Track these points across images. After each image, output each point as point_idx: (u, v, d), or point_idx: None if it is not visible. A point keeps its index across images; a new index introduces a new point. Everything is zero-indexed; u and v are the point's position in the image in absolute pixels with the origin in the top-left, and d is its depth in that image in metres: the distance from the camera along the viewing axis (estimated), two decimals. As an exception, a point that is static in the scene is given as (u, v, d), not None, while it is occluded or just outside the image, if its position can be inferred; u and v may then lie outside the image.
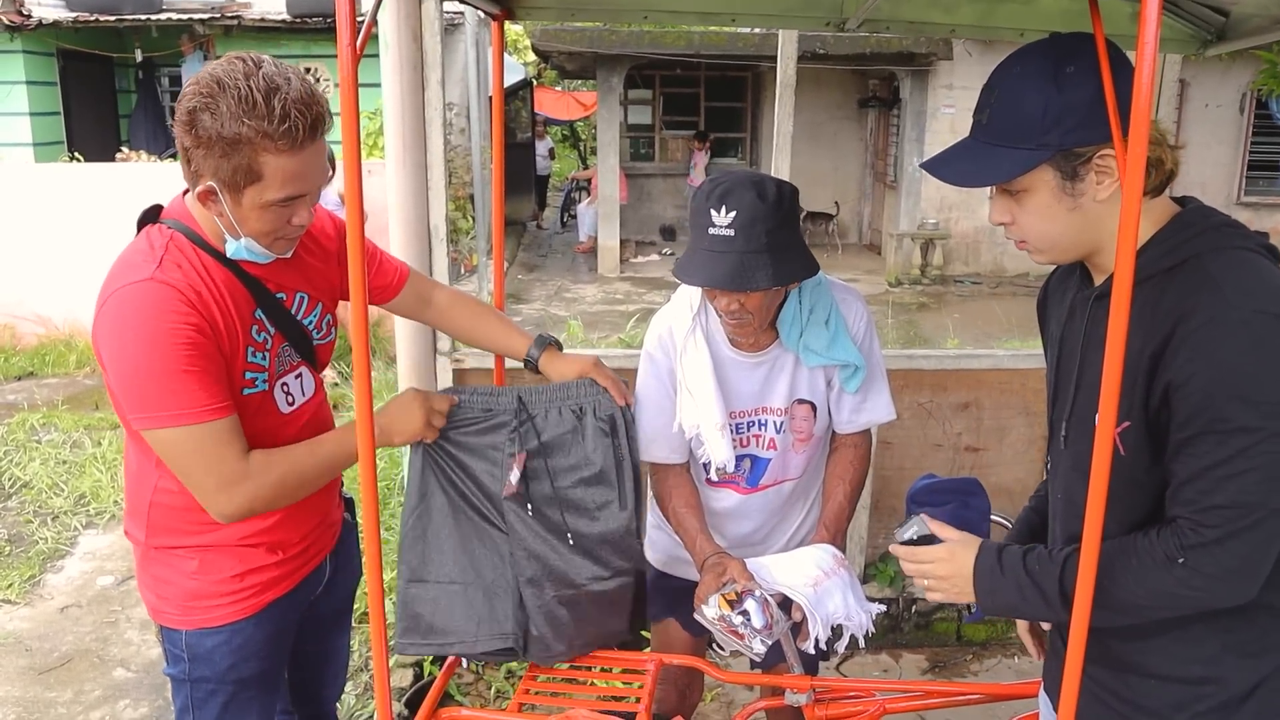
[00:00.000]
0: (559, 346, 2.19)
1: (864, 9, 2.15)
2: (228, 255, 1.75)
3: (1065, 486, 1.58)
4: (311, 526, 2.00)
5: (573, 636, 2.09)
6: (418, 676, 3.38)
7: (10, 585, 4.32)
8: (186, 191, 1.78)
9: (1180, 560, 1.33)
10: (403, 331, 3.38)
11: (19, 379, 7.73)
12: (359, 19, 1.51)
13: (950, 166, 1.49)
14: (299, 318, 1.91)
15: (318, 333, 1.97)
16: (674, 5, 2.28)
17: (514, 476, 1.99)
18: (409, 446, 2.02)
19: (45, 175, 8.77)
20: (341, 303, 2.03)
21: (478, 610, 2.08)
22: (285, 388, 1.89)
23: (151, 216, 1.77)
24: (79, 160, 9.37)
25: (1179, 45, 2.41)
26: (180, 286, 1.65)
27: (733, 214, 1.85)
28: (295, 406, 1.91)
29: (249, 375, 1.79)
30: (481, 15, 4.86)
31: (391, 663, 3.42)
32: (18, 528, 4.94)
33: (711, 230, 1.87)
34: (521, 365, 2.18)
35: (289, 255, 1.84)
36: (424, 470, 2.05)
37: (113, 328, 1.64)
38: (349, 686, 3.37)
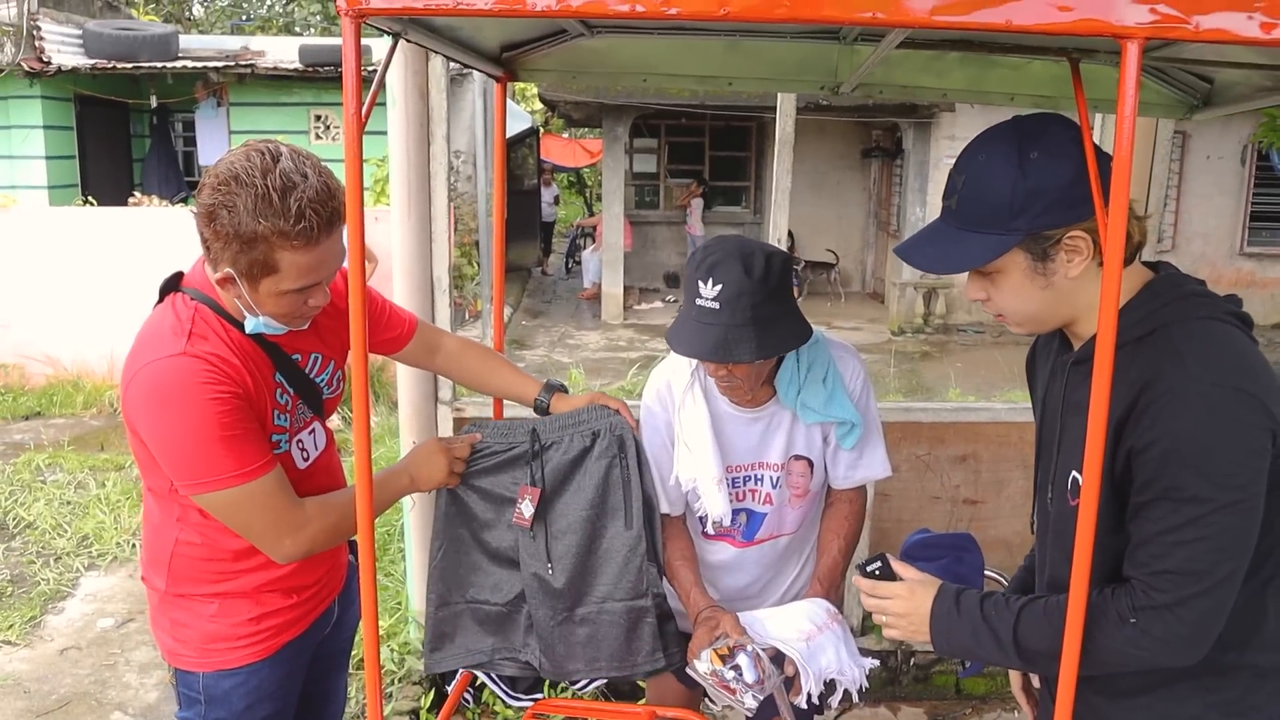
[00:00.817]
0: (566, 391, 2.26)
1: (857, 74, 2.21)
2: (246, 331, 1.81)
3: (1050, 544, 1.61)
4: (325, 570, 2.06)
5: (592, 657, 2.18)
6: (414, 716, 3.38)
7: (11, 626, 4.33)
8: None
9: (1132, 620, 1.37)
10: (404, 379, 3.43)
11: (26, 419, 7.77)
12: (369, 69, 1.56)
13: (922, 252, 1.53)
14: (312, 376, 1.97)
15: (329, 388, 2.03)
16: (672, 69, 2.35)
17: (526, 509, 2.10)
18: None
19: (59, 218, 8.87)
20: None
21: (498, 629, 2.24)
22: (300, 444, 1.95)
23: (173, 284, 1.83)
24: (92, 204, 9.50)
25: (1165, 110, 2.46)
26: (211, 360, 1.72)
27: (719, 287, 1.89)
28: (310, 462, 1.97)
29: (274, 438, 1.85)
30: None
31: (388, 710, 3.43)
32: (20, 568, 4.96)
33: (699, 301, 1.92)
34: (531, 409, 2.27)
35: (303, 328, 1.90)
36: (447, 509, 2.21)
37: (150, 402, 1.70)
38: (346, 734, 3.37)
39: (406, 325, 2.21)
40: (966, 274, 1.55)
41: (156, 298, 1.84)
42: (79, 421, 7.71)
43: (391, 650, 3.73)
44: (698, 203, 15.48)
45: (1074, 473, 1.47)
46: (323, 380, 2.00)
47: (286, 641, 1.98)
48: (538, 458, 2.13)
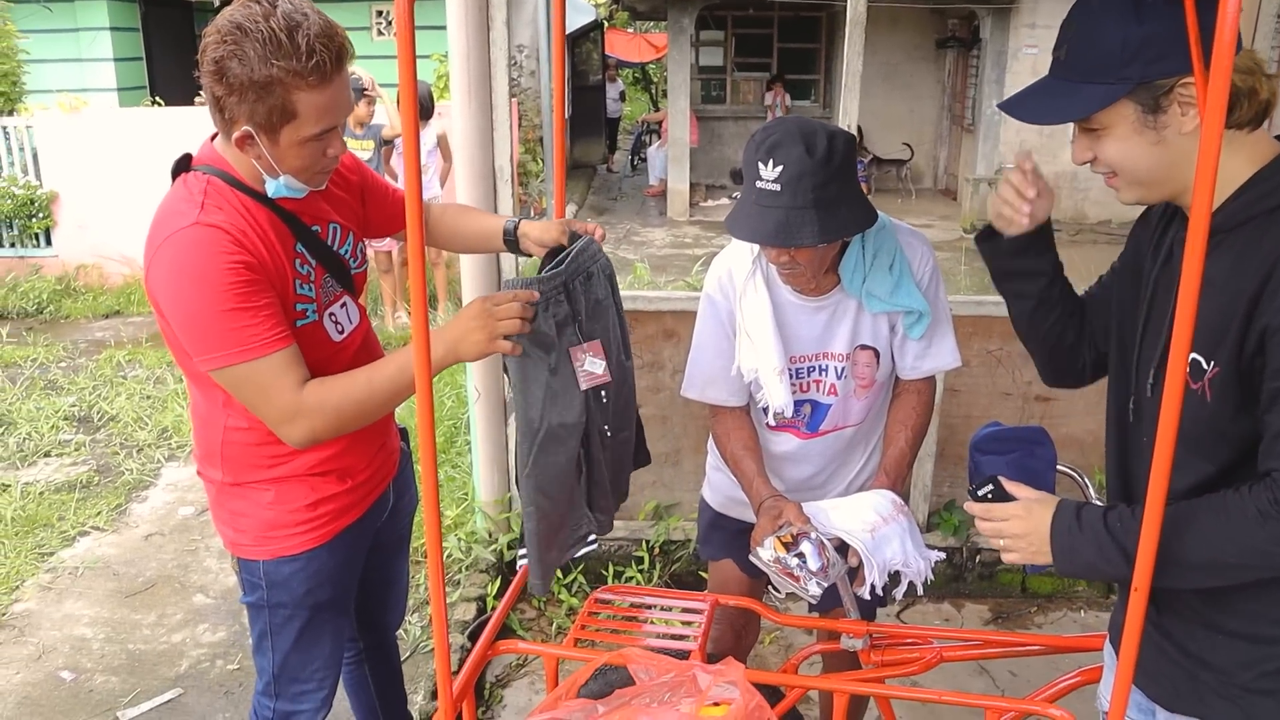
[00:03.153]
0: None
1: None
2: (268, 194, 1.78)
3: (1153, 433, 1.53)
4: (374, 452, 2.06)
5: (619, 491, 2.19)
6: (480, 610, 3.46)
7: (99, 513, 4.51)
8: (214, 136, 1.80)
9: (1274, 514, 1.28)
10: (468, 266, 3.42)
11: (106, 317, 7.98)
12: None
13: (1026, 105, 1.45)
14: (335, 248, 1.94)
15: (354, 261, 2.01)
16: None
17: (595, 365, 1.94)
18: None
19: (128, 119, 8.96)
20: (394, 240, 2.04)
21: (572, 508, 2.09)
22: (333, 317, 1.93)
23: (184, 165, 1.80)
24: (160, 105, 9.56)
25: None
26: (226, 227, 1.69)
27: (779, 169, 1.82)
28: (345, 335, 1.95)
29: (300, 307, 1.83)
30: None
31: (455, 596, 3.51)
32: (105, 459, 5.14)
33: (759, 184, 1.85)
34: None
35: (323, 188, 1.87)
36: (522, 377, 1.89)
37: (168, 275, 1.68)
38: (415, 619, 3.46)
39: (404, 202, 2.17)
40: (1069, 143, 1.47)
41: (170, 180, 1.81)
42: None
43: (459, 539, 3.81)
44: (783, 97, 15.15)
45: (1194, 355, 1.37)
46: (345, 252, 1.97)
47: (344, 527, 2.00)
48: (573, 311, 1.92)
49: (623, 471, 2.22)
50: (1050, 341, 1.77)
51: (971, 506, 1.60)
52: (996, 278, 1.76)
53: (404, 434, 2.28)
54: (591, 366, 1.94)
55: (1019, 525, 1.52)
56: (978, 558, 3.86)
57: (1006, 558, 1.56)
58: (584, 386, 1.94)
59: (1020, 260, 1.70)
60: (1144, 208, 1.62)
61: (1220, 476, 1.39)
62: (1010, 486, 1.57)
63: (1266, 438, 1.31)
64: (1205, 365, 1.36)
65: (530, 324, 1.81)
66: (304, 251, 1.85)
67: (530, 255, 2.11)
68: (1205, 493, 1.38)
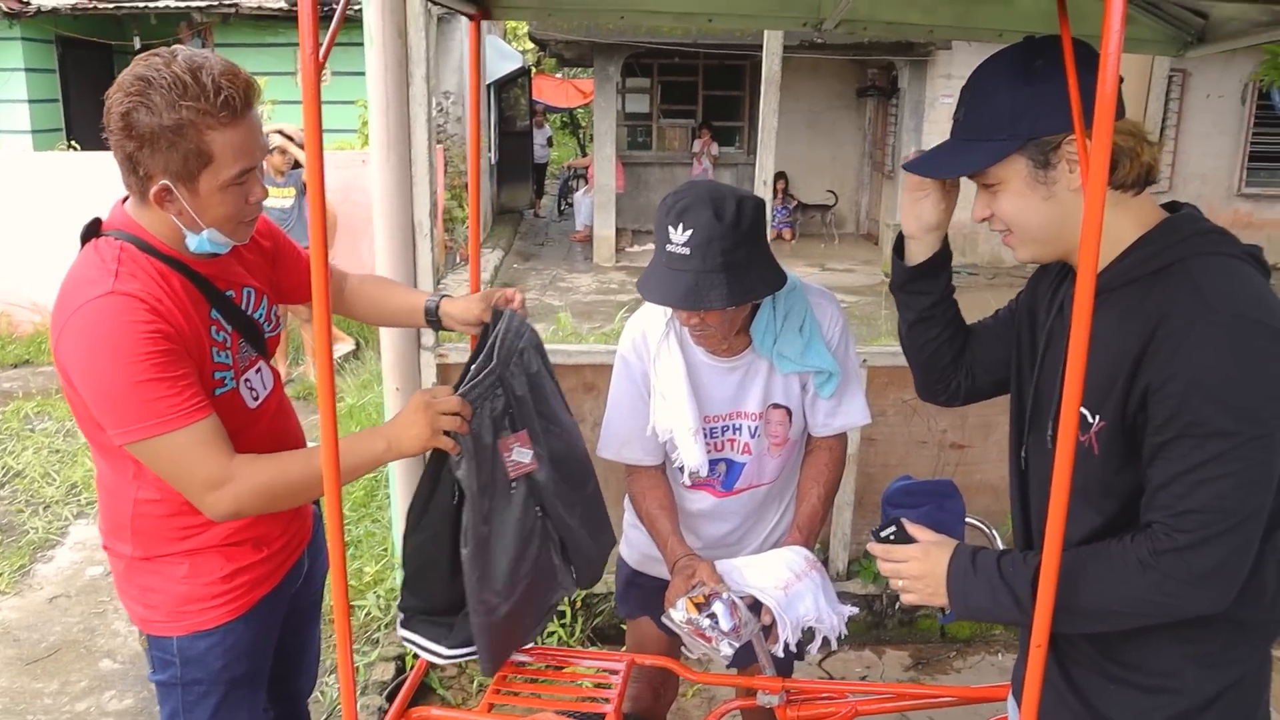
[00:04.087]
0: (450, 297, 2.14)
1: (840, 10, 2.15)
2: (191, 250, 1.74)
3: (1046, 485, 1.57)
4: (289, 518, 2.02)
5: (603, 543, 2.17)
6: (399, 669, 3.40)
7: (0, 575, 4.34)
8: (125, 199, 1.77)
9: (1153, 565, 1.33)
10: (388, 341, 3.39)
11: (14, 367, 7.73)
12: (355, 9, 1.51)
13: (927, 162, 1.54)
14: (250, 313, 1.91)
15: (268, 325, 1.97)
16: (650, 5, 2.27)
17: (521, 455, 1.93)
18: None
19: (43, 163, 8.75)
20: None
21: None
22: (249, 383, 1.89)
23: (94, 230, 1.76)
24: (76, 148, 9.36)
25: (1159, 46, 2.40)
26: (142, 296, 1.64)
27: (689, 232, 1.85)
28: (260, 401, 1.92)
29: (218, 375, 1.79)
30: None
31: (374, 655, 3.44)
32: (9, 517, 4.96)
33: (669, 247, 1.88)
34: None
35: (246, 242, 1.84)
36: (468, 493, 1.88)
37: (80, 347, 1.63)
38: (332, 680, 3.39)
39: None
40: (970, 211, 1.55)
41: (78, 245, 1.76)
42: (68, 368, 7.65)
43: (378, 596, 3.74)
44: (710, 145, 15.43)
45: (1081, 409, 1.42)
46: (260, 316, 1.94)
47: (260, 597, 1.95)
48: (508, 401, 1.92)
49: (602, 531, 2.17)
50: (925, 356, 1.84)
51: (874, 547, 1.65)
52: (893, 285, 1.83)
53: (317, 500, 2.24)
54: (519, 456, 1.93)
55: (917, 567, 1.57)
56: (897, 604, 3.90)
57: (905, 598, 1.61)
58: (512, 476, 1.93)
59: (916, 277, 1.77)
60: None
61: (1107, 528, 1.44)
62: (912, 529, 1.62)
63: (1148, 490, 1.37)
64: (1091, 419, 1.42)
65: (469, 424, 1.82)
66: (219, 318, 1.81)
67: (452, 330, 2.10)
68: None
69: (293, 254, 2.12)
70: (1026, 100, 1.40)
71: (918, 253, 1.73)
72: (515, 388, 1.93)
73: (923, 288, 1.77)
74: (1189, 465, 1.30)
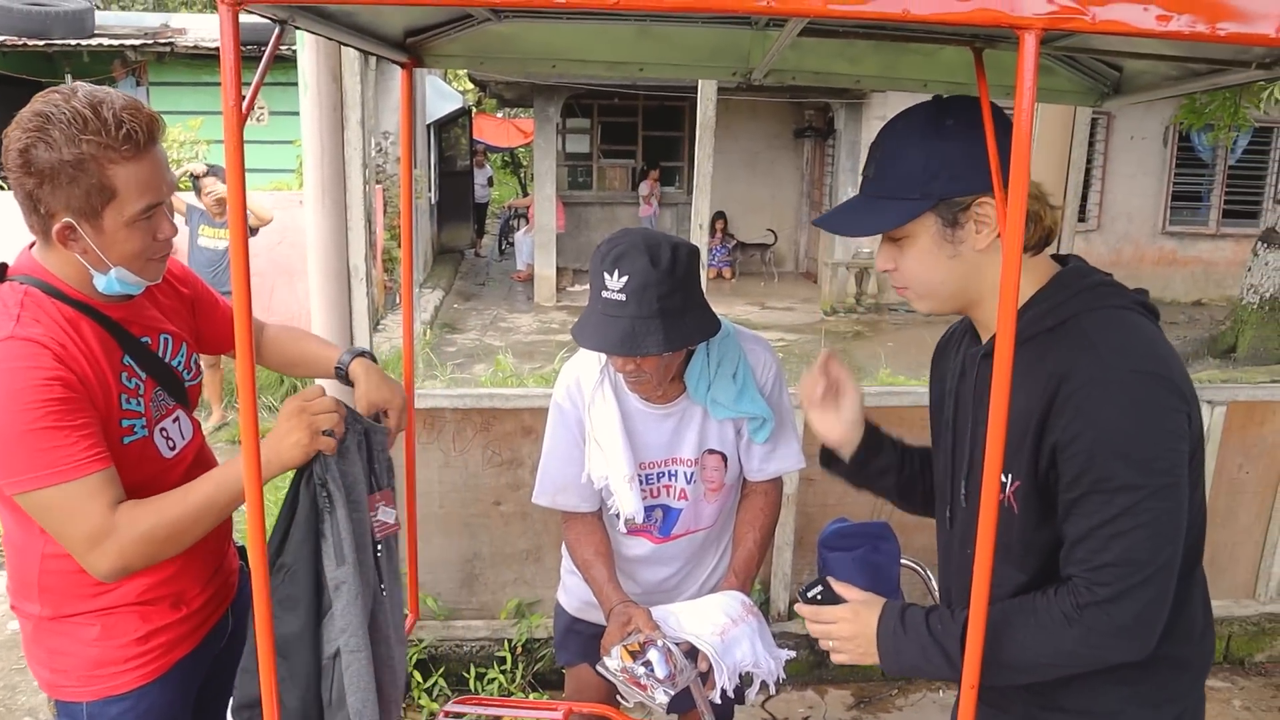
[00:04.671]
0: (373, 359, 2.10)
1: (768, 60, 2.18)
2: (100, 290, 1.70)
3: (967, 543, 1.60)
4: (209, 575, 1.95)
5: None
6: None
7: (-85, 632, 4.18)
8: (33, 245, 1.72)
9: (1077, 618, 1.36)
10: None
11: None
12: (289, 49, 1.50)
13: (839, 220, 1.54)
14: (166, 360, 1.86)
15: (187, 374, 1.92)
16: (582, 55, 2.29)
17: (387, 515, 1.86)
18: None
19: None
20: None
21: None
22: (164, 433, 1.84)
23: None
24: (5, 188, 9.14)
25: (1077, 97, 2.47)
26: (43, 340, 1.59)
27: (624, 279, 1.86)
28: (177, 451, 1.86)
29: (126, 423, 1.73)
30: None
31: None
32: (-75, 571, 4.78)
33: (605, 294, 1.89)
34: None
35: (158, 281, 1.79)
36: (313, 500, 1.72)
37: None
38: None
39: None
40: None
41: None
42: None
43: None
44: (655, 187, 15.64)
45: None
46: (179, 364, 1.89)
47: (178, 659, 1.87)
48: (374, 454, 1.84)
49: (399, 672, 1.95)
50: (896, 495, 1.90)
51: (802, 608, 1.64)
52: (855, 485, 1.87)
53: (242, 552, 2.16)
54: (384, 516, 1.87)
55: (846, 628, 1.57)
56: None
57: (835, 658, 1.60)
58: (378, 536, 1.85)
59: (865, 470, 1.81)
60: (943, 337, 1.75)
61: (1030, 585, 1.46)
62: (839, 588, 1.60)
63: (1065, 545, 1.39)
64: (1005, 479, 1.44)
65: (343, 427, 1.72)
66: (132, 364, 1.76)
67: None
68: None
69: (211, 302, 2.07)
70: (938, 160, 1.41)
71: (848, 451, 1.78)
72: (376, 445, 1.85)
73: (880, 466, 1.81)
74: (1101, 520, 1.33)
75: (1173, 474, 1.32)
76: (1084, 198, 12.85)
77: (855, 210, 1.52)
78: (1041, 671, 1.44)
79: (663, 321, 1.86)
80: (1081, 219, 12.97)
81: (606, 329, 1.88)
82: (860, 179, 1.55)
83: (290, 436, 1.66)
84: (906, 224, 1.45)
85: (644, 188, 15.77)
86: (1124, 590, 1.33)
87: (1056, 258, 1.54)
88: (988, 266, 1.45)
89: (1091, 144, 12.89)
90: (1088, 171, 12.21)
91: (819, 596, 1.61)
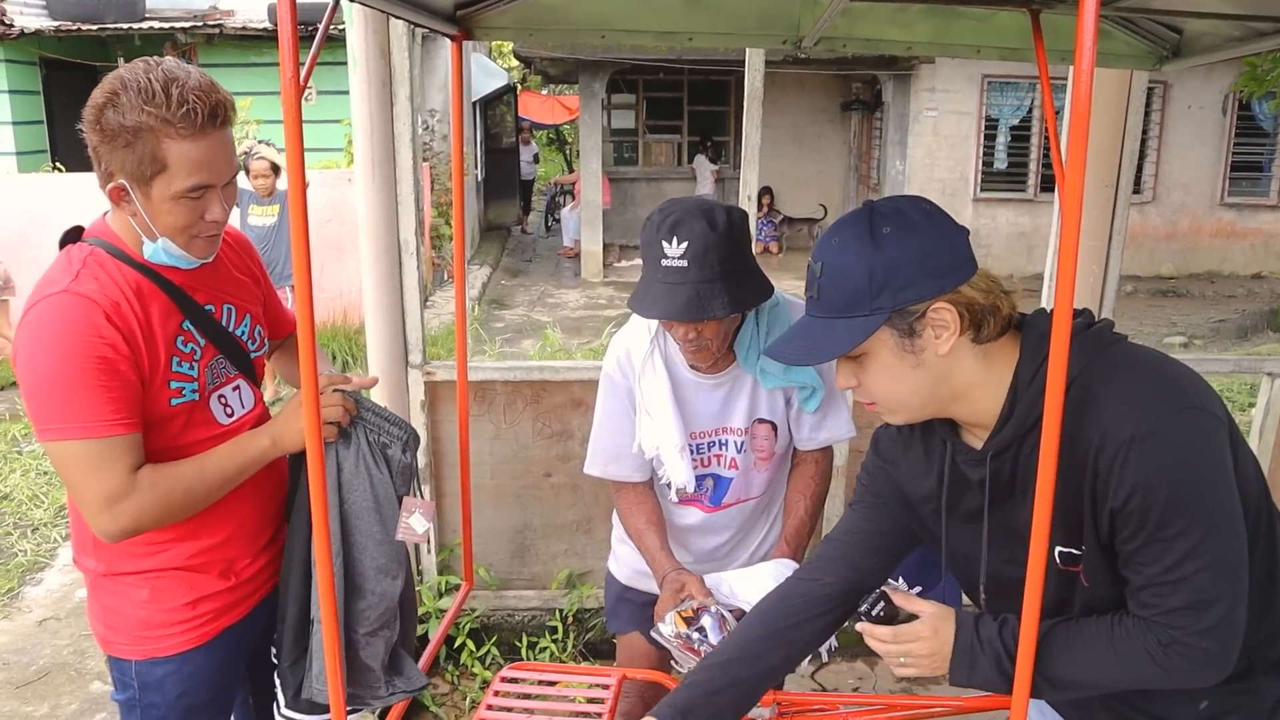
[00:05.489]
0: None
1: (819, 27, 2.17)
2: (145, 257, 1.74)
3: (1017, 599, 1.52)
4: (260, 546, 1.97)
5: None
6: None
7: (-12, 599, 4.33)
8: (107, 213, 1.79)
9: (1162, 656, 1.36)
10: (373, 342, 3.40)
11: (2, 389, 7.70)
12: (339, 27, 1.53)
13: (792, 348, 1.46)
14: (230, 329, 1.90)
15: (251, 344, 1.96)
16: (631, 25, 2.29)
17: (418, 523, 1.92)
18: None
19: (28, 184, 8.74)
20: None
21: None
22: (223, 399, 1.88)
23: (74, 237, 1.78)
24: (61, 170, 9.35)
25: (1135, 61, 2.43)
26: (95, 297, 1.65)
27: (684, 244, 1.85)
28: (235, 419, 1.90)
29: (175, 385, 1.76)
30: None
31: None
32: (-4, 541, 4.94)
33: (664, 262, 1.88)
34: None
35: (210, 259, 1.82)
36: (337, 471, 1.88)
37: (24, 340, 1.64)
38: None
39: (290, 321, 2.19)
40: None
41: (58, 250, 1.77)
42: (54, 391, 7.62)
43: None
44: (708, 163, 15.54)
45: (1062, 548, 1.43)
46: (243, 334, 1.93)
47: (225, 627, 1.92)
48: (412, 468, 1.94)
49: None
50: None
51: (869, 629, 1.55)
52: None
53: None
54: (415, 524, 1.91)
55: (927, 646, 1.52)
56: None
57: (902, 673, 1.55)
58: (399, 537, 1.91)
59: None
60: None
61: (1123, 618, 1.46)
62: (899, 599, 1.56)
63: (1131, 589, 1.38)
64: (1077, 551, 1.42)
65: (351, 420, 1.86)
66: (191, 329, 1.80)
67: None
68: None
69: (274, 295, 2.13)
70: (883, 272, 1.35)
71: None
72: (391, 456, 1.92)
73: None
74: (1164, 567, 1.32)
75: (1224, 506, 1.32)
76: (1139, 169, 12.59)
77: (806, 334, 1.45)
78: (1123, 687, 1.45)
79: (725, 284, 1.86)
80: (1136, 191, 12.72)
81: (670, 296, 1.87)
82: (805, 299, 1.47)
83: (296, 423, 1.81)
84: (862, 342, 1.39)
85: (697, 161, 15.61)
86: (1200, 630, 1.33)
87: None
88: (959, 367, 1.40)
89: (1147, 114, 12.61)
90: (1143, 143, 11.94)
91: (880, 613, 1.54)
